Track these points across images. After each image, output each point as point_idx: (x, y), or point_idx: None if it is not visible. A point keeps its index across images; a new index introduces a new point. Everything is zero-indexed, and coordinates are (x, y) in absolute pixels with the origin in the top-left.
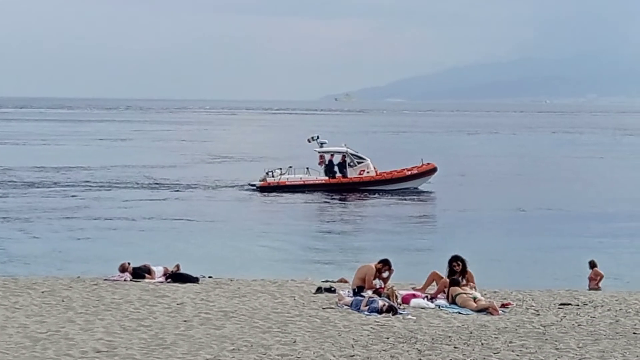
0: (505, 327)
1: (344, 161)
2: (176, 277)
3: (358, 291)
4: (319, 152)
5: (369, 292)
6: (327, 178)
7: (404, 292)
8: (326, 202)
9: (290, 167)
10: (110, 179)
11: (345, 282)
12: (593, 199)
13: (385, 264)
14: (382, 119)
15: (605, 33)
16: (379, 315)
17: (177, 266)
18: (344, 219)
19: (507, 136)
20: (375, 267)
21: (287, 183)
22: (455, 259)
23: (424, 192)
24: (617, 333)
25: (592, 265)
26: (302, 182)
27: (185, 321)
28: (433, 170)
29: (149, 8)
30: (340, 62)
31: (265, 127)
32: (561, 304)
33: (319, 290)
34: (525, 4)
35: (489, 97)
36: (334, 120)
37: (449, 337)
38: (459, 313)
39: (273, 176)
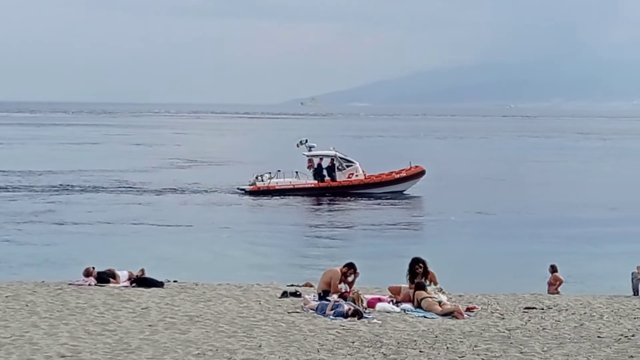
0: (471, 331)
1: (333, 165)
2: (141, 281)
3: (323, 295)
4: (307, 156)
5: (335, 296)
6: (316, 182)
7: (369, 296)
8: (315, 205)
9: (279, 170)
10: (78, 183)
11: (311, 286)
12: (561, 203)
13: (350, 267)
14: (347, 122)
15: (568, 39)
16: (344, 320)
17: (142, 270)
18: (323, 223)
19: (477, 140)
20: (341, 271)
21: (277, 187)
22: (416, 262)
23: (412, 195)
24: (581, 337)
25: (553, 270)
26: (291, 186)
27: (150, 326)
28: (421, 173)
29: (109, 11)
30: (306, 66)
31: (232, 131)
32: (526, 308)
33: (285, 294)
34: (491, 9)
35: (454, 102)
36: (299, 124)
37: (415, 341)
38: (425, 317)
39: (262, 180)
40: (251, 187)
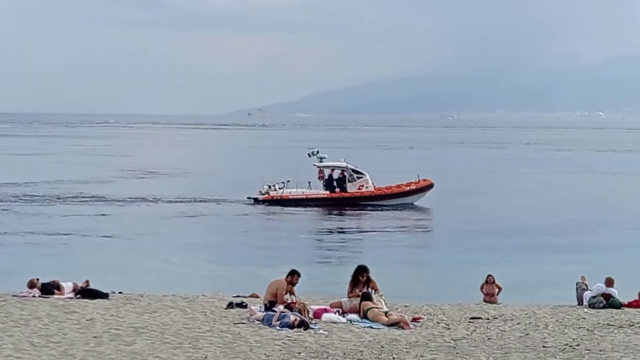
0: (417, 341)
1: (344, 176)
2: (86, 292)
3: (270, 306)
4: (318, 167)
5: (281, 307)
6: (328, 192)
7: (315, 307)
8: (326, 215)
9: (288, 181)
10: (27, 193)
11: (257, 297)
12: (515, 212)
13: (294, 274)
14: (293, 134)
15: (513, 50)
16: (290, 330)
17: (87, 282)
18: (302, 232)
19: (426, 152)
20: (286, 280)
21: (290, 197)
22: (362, 270)
23: (421, 207)
24: (526, 346)
25: (489, 280)
26: (304, 196)
27: (94, 337)
28: (430, 186)
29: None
30: (253, 76)
31: (182, 142)
32: (471, 318)
33: (230, 305)
34: (438, 21)
35: (400, 113)
36: (245, 135)
37: (361, 351)
38: (371, 327)
39: (276, 190)
40: (264, 196)
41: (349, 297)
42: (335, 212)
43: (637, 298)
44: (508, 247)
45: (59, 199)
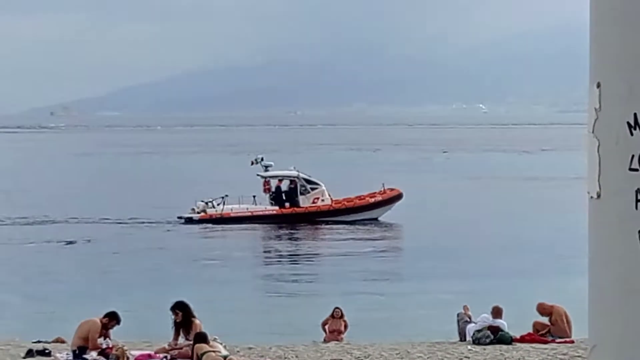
0: None
1: (295, 187)
2: None
3: (79, 353)
4: (263, 177)
5: (94, 354)
6: (277, 208)
7: (137, 353)
8: (273, 235)
9: (227, 195)
10: None
11: (63, 342)
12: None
13: (112, 318)
14: (103, 136)
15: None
16: None
17: None
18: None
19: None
20: (101, 321)
21: (232, 214)
22: (175, 307)
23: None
24: None
25: (336, 314)
26: (249, 213)
27: None
28: (398, 197)
29: None
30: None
31: None
32: None
33: (30, 353)
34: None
35: (231, 109)
36: (48, 139)
37: None
38: None
39: (214, 206)
40: (201, 214)
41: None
42: (284, 230)
43: (530, 331)
44: (371, 273)
45: None
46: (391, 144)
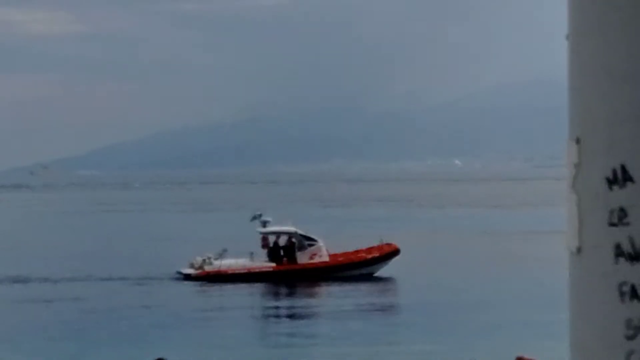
0: None
1: (292, 243)
2: None
3: None
4: (261, 233)
5: None
6: (274, 264)
7: None
8: (270, 294)
9: (225, 250)
10: None
11: None
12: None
13: None
14: (79, 195)
15: (347, 90)
16: None
17: None
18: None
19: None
20: None
21: (230, 271)
22: None
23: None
24: None
25: None
26: (247, 271)
27: None
28: (395, 252)
29: None
30: (27, 126)
31: None
32: None
33: None
34: (252, 55)
35: (209, 166)
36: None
37: None
38: None
39: (211, 263)
40: (198, 271)
41: None
42: (281, 289)
43: None
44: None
45: None
46: (372, 200)
